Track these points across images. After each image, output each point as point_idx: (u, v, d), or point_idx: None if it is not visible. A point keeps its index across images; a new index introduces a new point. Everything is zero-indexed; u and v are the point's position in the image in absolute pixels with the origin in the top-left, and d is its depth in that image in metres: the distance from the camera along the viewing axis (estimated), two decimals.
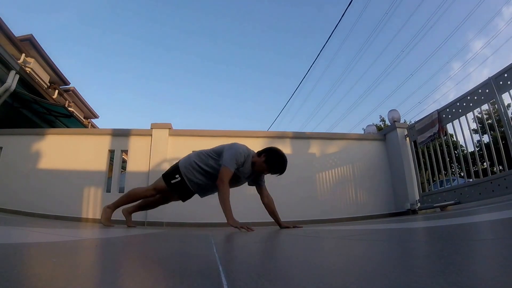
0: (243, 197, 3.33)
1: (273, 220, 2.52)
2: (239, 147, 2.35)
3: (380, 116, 23.76)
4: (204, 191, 2.47)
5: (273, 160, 2.34)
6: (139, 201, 2.60)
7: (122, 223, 2.93)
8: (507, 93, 2.85)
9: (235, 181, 2.38)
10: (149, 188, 2.53)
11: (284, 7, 51.19)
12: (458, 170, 3.69)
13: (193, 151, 2.72)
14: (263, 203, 2.50)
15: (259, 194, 2.52)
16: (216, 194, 2.35)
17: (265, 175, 2.51)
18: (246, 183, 2.56)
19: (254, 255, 0.89)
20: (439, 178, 3.80)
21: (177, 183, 2.40)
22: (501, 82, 2.91)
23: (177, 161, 2.55)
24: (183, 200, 2.57)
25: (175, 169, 2.46)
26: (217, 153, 2.38)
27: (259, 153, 2.40)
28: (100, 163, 3.83)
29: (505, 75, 2.86)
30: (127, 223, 2.66)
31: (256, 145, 4.12)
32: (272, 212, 2.49)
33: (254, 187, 2.55)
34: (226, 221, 2.16)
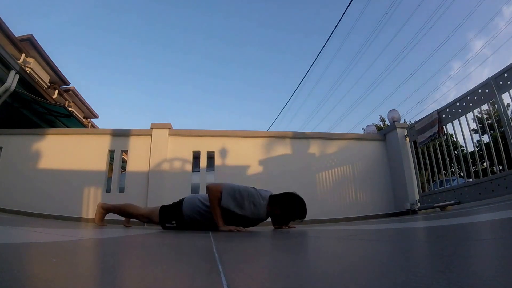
0: None
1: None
2: (257, 192, 2.21)
3: (380, 116, 23.82)
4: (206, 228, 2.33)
5: (291, 213, 2.20)
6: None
7: (118, 222, 2.93)
8: (507, 93, 2.85)
9: (246, 221, 2.22)
10: (144, 214, 2.41)
11: (284, 6, 51.20)
12: (458, 170, 3.69)
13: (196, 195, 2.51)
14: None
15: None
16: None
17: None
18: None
19: (254, 255, 0.89)
20: (439, 178, 3.80)
21: (171, 227, 2.30)
22: (501, 82, 2.91)
23: (181, 200, 2.35)
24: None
25: (175, 213, 2.27)
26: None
27: (273, 203, 2.22)
28: (100, 163, 3.83)
29: (505, 75, 2.87)
30: (124, 223, 2.68)
31: (256, 145, 4.15)
32: None
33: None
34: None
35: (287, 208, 2.20)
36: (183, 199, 2.35)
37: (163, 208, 2.34)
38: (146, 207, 2.61)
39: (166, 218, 2.30)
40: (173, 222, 2.27)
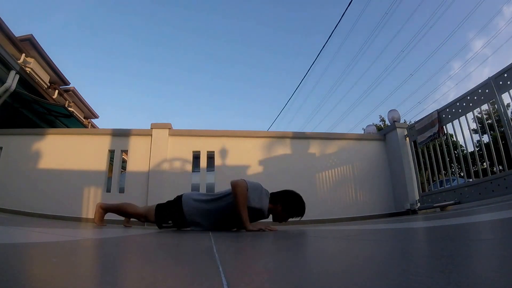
0: None
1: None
2: (256, 183, 2.16)
3: (380, 116, 23.84)
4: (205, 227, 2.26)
5: (292, 210, 2.21)
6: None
7: (118, 222, 2.94)
8: (507, 93, 2.85)
9: (259, 215, 2.20)
10: (141, 214, 2.36)
11: (284, 6, 51.20)
12: (458, 170, 3.69)
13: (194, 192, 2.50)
14: None
15: None
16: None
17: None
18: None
19: (254, 256, 0.89)
20: (439, 178, 3.80)
21: (168, 227, 2.26)
22: (501, 82, 2.91)
23: (176, 198, 2.29)
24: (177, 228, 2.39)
25: (171, 212, 2.21)
26: (227, 194, 2.18)
27: (275, 200, 2.22)
28: (100, 163, 3.83)
29: (505, 75, 2.87)
30: (124, 222, 2.68)
31: (256, 145, 4.15)
32: None
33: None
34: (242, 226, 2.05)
35: (288, 205, 2.20)
36: (179, 197, 2.28)
37: (159, 207, 2.28)
38: (144, 206, 2.58)
39: (162, 218, 2.26)
40: (170, 222, 2.23)
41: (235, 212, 2.04)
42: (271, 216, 2.30)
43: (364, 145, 4.46)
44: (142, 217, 2.38)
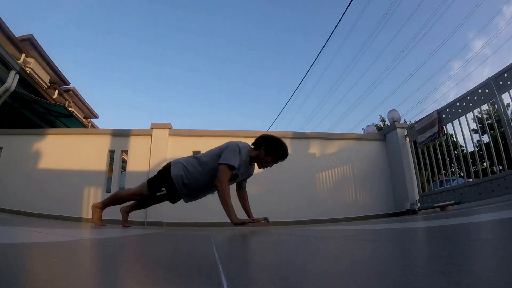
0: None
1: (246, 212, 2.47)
2: (239, 142, 2.26)
3: (380, 116, 23.80)
4: (195, 197, 2.36)
5: (275, 150, 2.26)
6: (133, 201, 2.53)
7: (118, 222, 2.93)
8: (507, 93, 2.85)
9: (231, 179, 2.28)
10: (135, 193, 2.39)
11: (284, 6, 51.18)
12: (458, 170, 3.69)
13: (192, 154, 2.61)
14: (238, 194, 2.46)
15: (236, 186, 2.47)
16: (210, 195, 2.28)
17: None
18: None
19: (254, 256, 0.89)
20: (439, 178, 3.80)
21: (163, 196, 2.29)
22: (501, 82, 2.91)
23: (166, 165, 2.37)
24: (173, 203, 2.45)
25: (162, 180, 2.27)
26: (216, 155, 2.25)
27: (257, 146, 2.30)
28: (100, 163, 3.83)
29: (505, 75, 2.87)
30: (123, 222, 2.66)
31: None
32: (244, 203, 2.47)
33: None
34: (228, 221, 2.13)
35: (271, 147, 2.24)
36: (167, 166, 2.33)
37: (150, 180, 2.35)
38: (136, 186, 2.59)
39: (155, 188, 2.28)
40: (163, 189, 2.26)
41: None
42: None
43: (364, 145, 4.46)
44: (137, 196, 2.40)
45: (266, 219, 2.36)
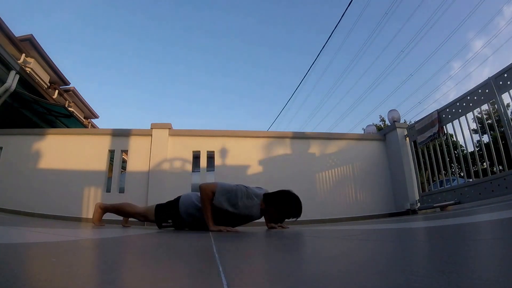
0: None
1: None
2: (251, 190, 2.15)
3: (380, 116, 23.82)
4: (201, 227, 2.26)
5: (285, 211, 2.16)
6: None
7: (117, 222, 2.93)
8: (507, 93, 2.85)
9: (240, 219, 2.19)
10: (140, 213, 2.39)
11: (285, 5, 51.19)
12: (458, 170, 3.69)
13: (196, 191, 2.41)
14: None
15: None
16: None
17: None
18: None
19: (254, 256, 0.89)
20: (439, 178, 3.80)
21: (168, 226, 2.29)
22: (501, 82, 2.91)
23: (176, 198, 2.32)
24: (176, 229, 2.38)
25: (170, 211, 2.24)
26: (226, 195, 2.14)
27: (268, 201, 2.17)
28: (100, 163, 3.83)
29: (505, 75, 2.87)
30: (123, 223, 2.67)
31: (256, 145, 4.15)
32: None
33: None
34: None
35: (282, 207, 2.15)
36: (178, 197, 2.32)
37: (158, 207, 2.32)
38: (143, 206, 2.59)
39: (162, 217, 2.29)
40: (169, 221, 2.26)
41: (226, 214, 2.08)
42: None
43: (364, 145, 4.46)
44: (141, 217, 2.40)
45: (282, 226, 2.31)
